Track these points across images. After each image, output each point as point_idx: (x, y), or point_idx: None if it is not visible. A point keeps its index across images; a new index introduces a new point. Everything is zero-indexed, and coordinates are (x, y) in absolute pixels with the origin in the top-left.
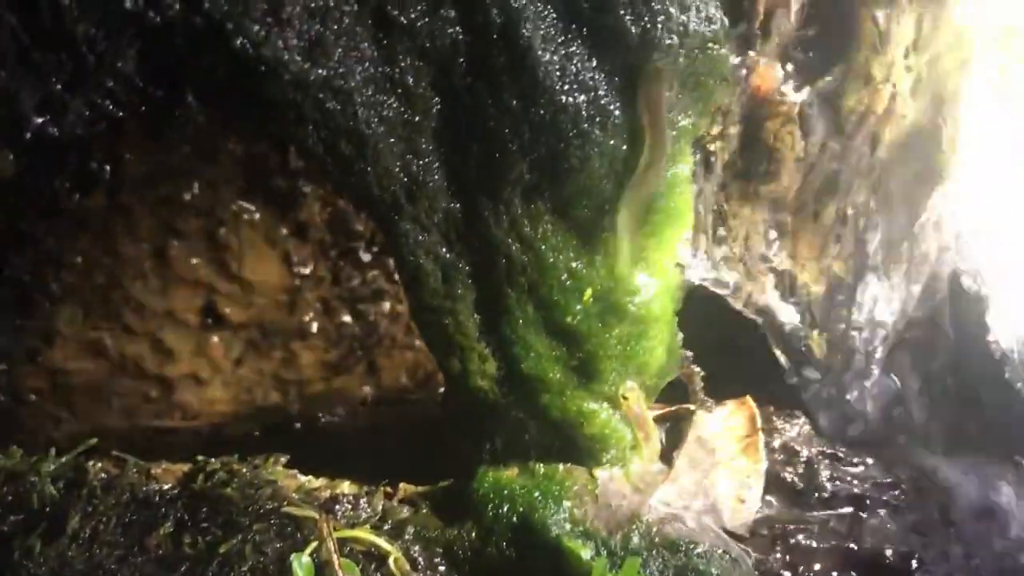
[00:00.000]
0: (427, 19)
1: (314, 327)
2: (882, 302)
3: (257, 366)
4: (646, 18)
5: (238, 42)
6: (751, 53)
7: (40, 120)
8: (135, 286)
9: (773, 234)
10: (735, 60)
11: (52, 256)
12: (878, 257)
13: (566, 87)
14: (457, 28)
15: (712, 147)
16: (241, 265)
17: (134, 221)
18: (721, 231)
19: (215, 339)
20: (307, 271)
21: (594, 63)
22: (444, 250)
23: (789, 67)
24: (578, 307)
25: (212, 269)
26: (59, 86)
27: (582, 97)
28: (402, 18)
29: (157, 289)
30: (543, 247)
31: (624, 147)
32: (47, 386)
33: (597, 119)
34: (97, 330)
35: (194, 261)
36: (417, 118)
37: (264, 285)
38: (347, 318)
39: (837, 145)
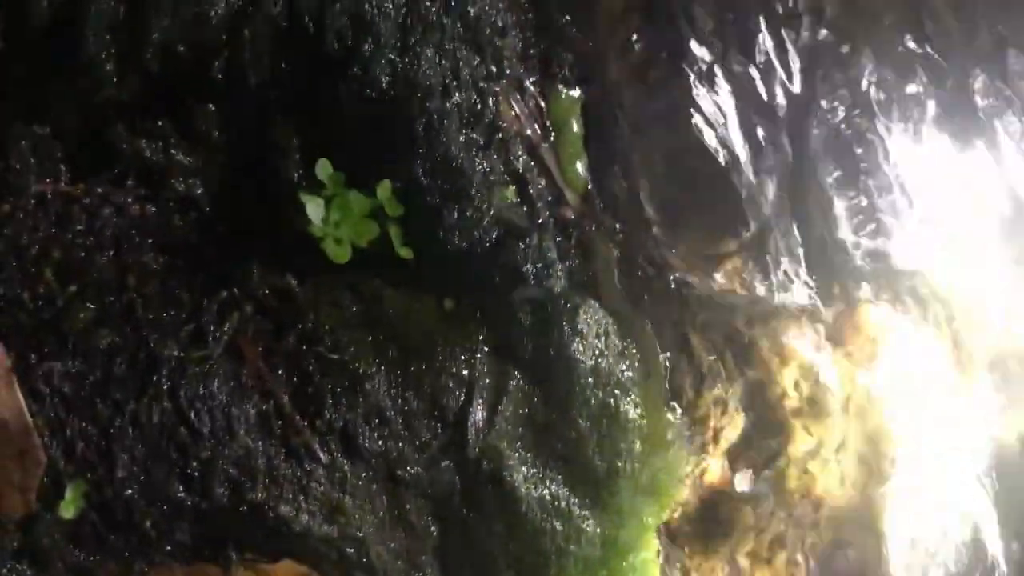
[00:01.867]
0: (429, 471)
1: None
2: None
3: None
4: (609, 455)
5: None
6: (705, 456)
7: None
8: None
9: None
10: (691, 464)
11: None
12: None
13: (546, 515)
14: (453, 474)
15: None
16: None
17: None
18: None
19: None
20: None
21: (568, 492)
22: None
23: (737, 464)
24: None
25: None
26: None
27: (559, 523)
28: (409, 474)
29: None
30: None
31: (598, 552)
32: None
33: (573, 537)
34: None
35: None
36: (419, 544)
37: None
38: None
39: (784, 512)
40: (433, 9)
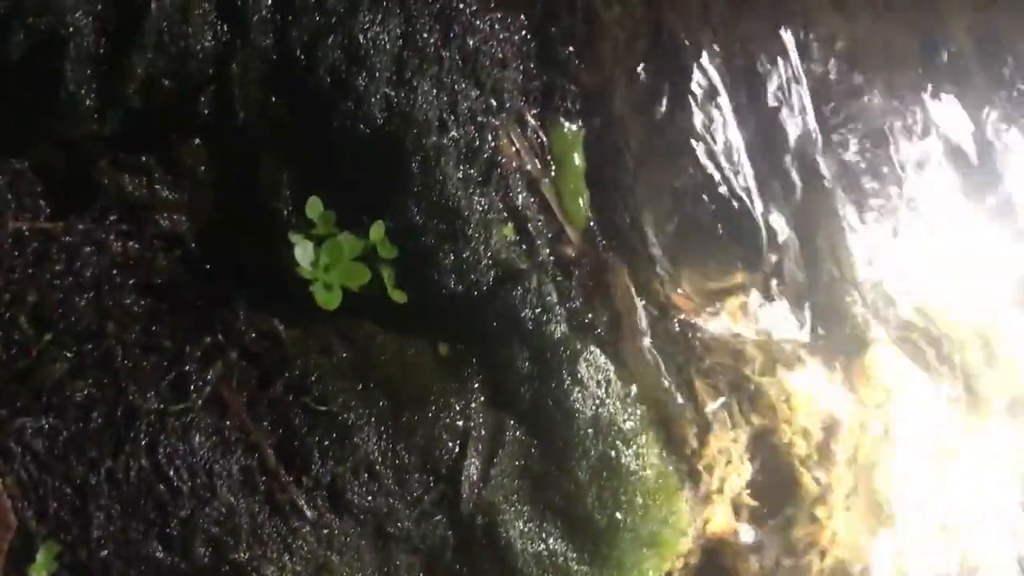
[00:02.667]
0: (420, 526)
1: None
2: None
3: None
4: (610, 508)
5: None
6: (709, 506)
7: None
8: None
9: None
10: (694, 514)
11: None
12: None
13: (543, 572)
14: (445, 530)
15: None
16: None
17: None
18: None
19: None
20: None
21: (566, 547)
22: None
23: (742, 513)
24: None
25: None
26: None
27: None
28: (399, 530)
29: None
30: None
31: None
32: None
33: None
34: None
35: None
36: None
37: None
38: None
39: (789, 561)
40: (431, 41)
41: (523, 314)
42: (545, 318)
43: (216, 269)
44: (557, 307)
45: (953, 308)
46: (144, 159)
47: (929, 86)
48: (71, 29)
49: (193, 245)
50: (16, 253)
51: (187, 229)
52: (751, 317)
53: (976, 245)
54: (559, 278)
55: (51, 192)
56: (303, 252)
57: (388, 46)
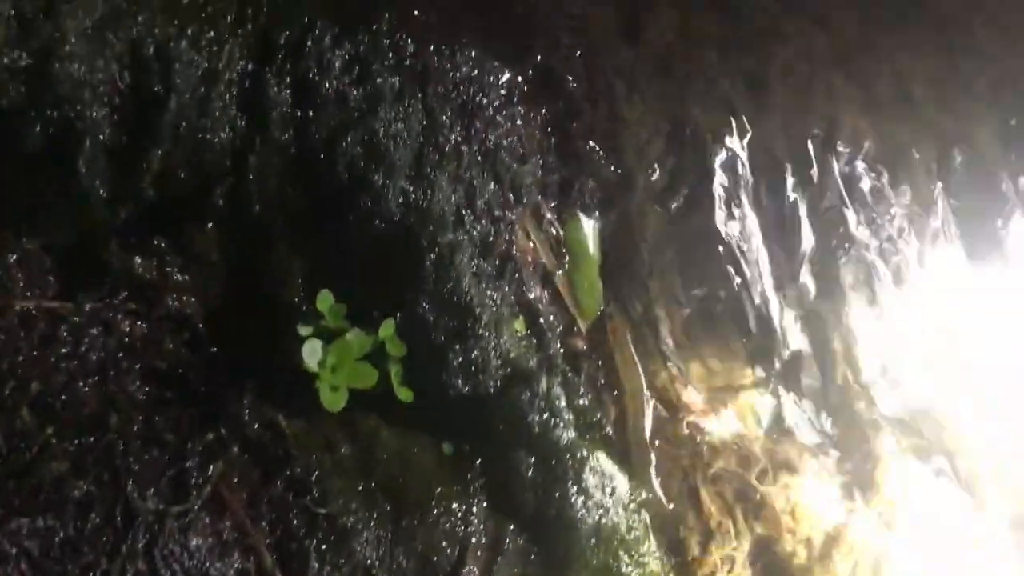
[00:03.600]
0: None
1: None
2: None
3: None
4: None
5: None
6: None
7: None
8: None
9: None
10: None
11: None
12: None
13: None
14: None
15: None
16: None
17: None
18: None
19: None
20: None
21: None
22: None
23: None
24: None
25: None
26: None
27: None
28: None
29: None
30: None
31: None
32: None
33: None
34: None
35: None
36: None
37: None
38: None
39: None
40: (452, 137)
41: (530, 418)
42: (552, 422)
43: (223, 353)
44: (565, 412)
45: (966, 418)
46: (156, 242)
47: (950, 190)
48: (88, 123)
49: (201, 326)
50: (22, 334)
51: (196, 311)
52: (760, 418)
53: (994, 352)
54: (569, 373)
55: (60, 269)
56: (311, 352)
57: (408, 142)
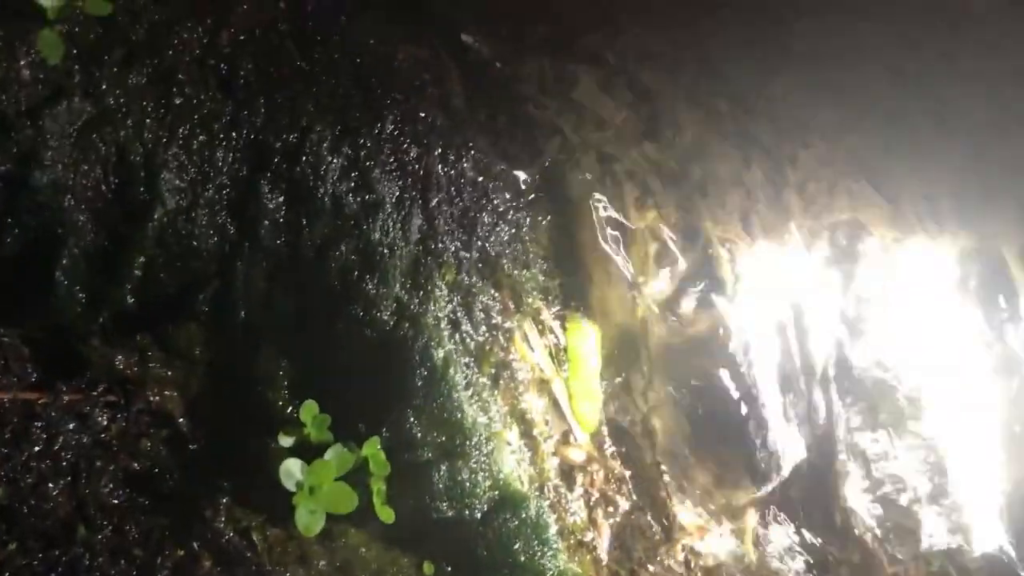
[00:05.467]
0: None
1: None
2: None
3: None
4: None
5: None
6: None
7: None
8: None
9: None
10: None
11: None
12: None
13: None
14: None
15: None
16: None
17: None
18: None
19: None
20: None
21: None
22: None
23: None
24: None
25: None
26: None
27: None
28: None
29: None
30: None
31: None
32: None
33: None
34: None
35: None
36: None
37: None
38: None
39: None
40: (452, 247)
41: (517, 546)
42: (541, 552)
43: (202, 451)
44: (555, 541)
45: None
46: (138, 337)
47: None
48: (69, 229)
49: (181, 421)
50: None
51: (176, 406)
52: (756, 540)
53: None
54: (562, 489)
55: (39, 360)
56: (287, 474)
57: (406, 250)
